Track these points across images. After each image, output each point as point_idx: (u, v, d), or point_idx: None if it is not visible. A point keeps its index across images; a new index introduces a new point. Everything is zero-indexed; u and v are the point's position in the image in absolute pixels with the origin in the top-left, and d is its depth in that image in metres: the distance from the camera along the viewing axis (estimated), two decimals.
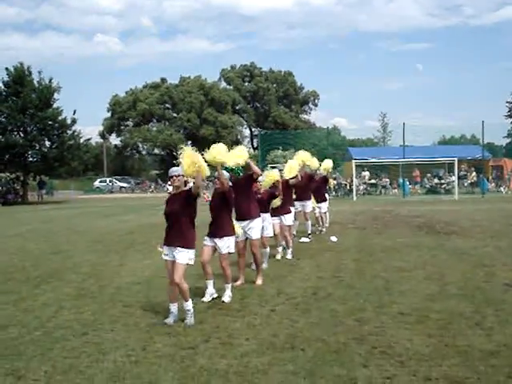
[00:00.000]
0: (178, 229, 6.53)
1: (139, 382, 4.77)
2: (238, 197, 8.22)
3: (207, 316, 6.82)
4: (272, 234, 10.15)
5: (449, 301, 7.33)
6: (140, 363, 5.18)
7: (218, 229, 7.64)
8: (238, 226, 8.24)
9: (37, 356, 5.44)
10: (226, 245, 7.65)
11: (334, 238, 13.55)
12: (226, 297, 7.58)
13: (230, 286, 7.70)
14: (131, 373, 4.94)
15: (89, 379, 4.83)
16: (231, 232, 7.76)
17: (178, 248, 6.47)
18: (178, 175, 6.68)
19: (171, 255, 6.57)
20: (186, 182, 6.96)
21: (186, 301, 6.52)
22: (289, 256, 11.11)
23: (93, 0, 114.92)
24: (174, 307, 6.60)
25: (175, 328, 6.28)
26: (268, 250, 9.99)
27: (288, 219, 11.13)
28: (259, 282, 8.66)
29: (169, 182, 7.52)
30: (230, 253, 7.75)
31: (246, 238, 8.63)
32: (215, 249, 7.68)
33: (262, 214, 9.20)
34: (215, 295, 7.68)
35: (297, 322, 6.48)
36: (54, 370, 5.05)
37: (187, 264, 6.53)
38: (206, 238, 7.69)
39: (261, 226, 8.89)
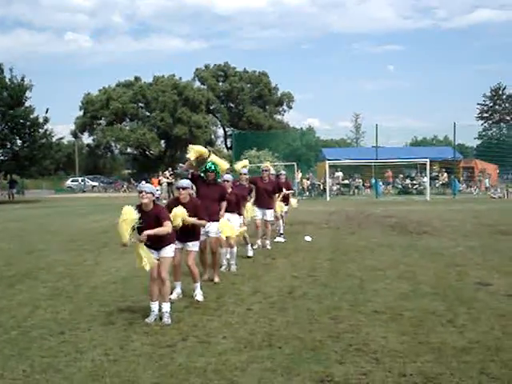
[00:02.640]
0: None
1: (118, 380, 4.78)
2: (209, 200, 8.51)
3: (184, 315, 6.85)
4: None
5: (422, 299, 7.47)
6: (118, 362, 5.20)
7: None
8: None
9: (14, 355, 5.41)
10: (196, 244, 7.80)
11: (308, 238, 13.65)
12: (199, 295, 7.63)
13: (199, 284, 7.75)
14: (110, 371, 4.95)
15: (68, 378, 4.83)
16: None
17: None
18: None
19: (156, 254, 6.68)
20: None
21: (166, 301, 6.63)
22: (250, 253, 11.24)
23: None
24: (154, 306, 6.63)
25: (153, 327, 6.31)
26: (235, 249, 9.95)
27: (269, 214, 12.25)
28: (216, 279, 8.75)
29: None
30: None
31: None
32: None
33: (228, 214, 9.34)
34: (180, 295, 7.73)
35: (273, 320, 6.55)
36: (33, 369, 5.04)
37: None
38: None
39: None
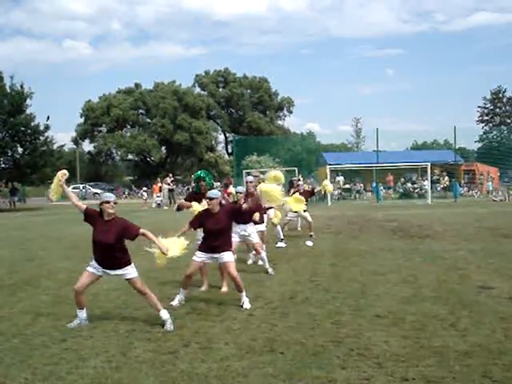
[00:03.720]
0: None
1: None
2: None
3: (186, 321, 6.85)
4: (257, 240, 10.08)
5: (424, 303, 7.46)
6: (120, 369, 5.20)
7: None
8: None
9: (16, 363, 5.41)
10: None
11: (309, 243, 13.65)
12: (247, 303, 7.60)
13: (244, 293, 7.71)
14: (112, 378, 4.95)
15: None
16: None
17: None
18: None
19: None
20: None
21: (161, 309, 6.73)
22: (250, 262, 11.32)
23: (64, 5, 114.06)
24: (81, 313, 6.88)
25: (155, 333, 6.31)
26: (264, 253, 10.19)
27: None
28: (224, 289, 8.64)
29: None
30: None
31: None
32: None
33: (242, 226, 9.70)
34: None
35: (275, 325, 6.55)
36: (34, 376, 5.04)
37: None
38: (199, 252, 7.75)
39: None
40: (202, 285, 8.80)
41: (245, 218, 9.36)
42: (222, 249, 7.60)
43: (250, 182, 10.75)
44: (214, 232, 7.54)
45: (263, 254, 10.09)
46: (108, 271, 6.73)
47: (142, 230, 6.62)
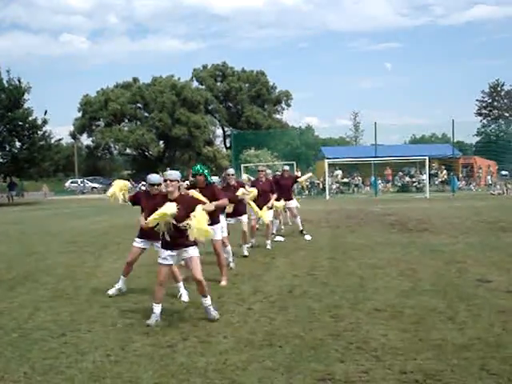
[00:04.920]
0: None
1: (119, 381, 4.79)
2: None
3: (185, 315, 6.85)
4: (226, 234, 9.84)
5: (422, 297, 7.47)
6: (119, 363, 5.21)
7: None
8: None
9: (15, 357, 5.42)
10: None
11: (308, 237, 13.68)
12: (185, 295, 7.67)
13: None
14: (111, 372, 4.96)
15: (69, 380, 4.84)
16: None
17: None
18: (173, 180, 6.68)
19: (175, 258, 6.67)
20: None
21: (206, 296, 6.65)
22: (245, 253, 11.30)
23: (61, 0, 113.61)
24: (157, 308, 6.60)
25: (153, 327, 6.31)
26: (229, 247, 9.93)
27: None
28: (224, 283, 8.64)
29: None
30: None
31: None
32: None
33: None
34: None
35: (274, 319, 6.56)
36: (34, 371, 5.05)
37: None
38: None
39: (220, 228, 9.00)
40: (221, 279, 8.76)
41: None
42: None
43: (232, 175, 10.57)
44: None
45: (228, 248, 9.82)
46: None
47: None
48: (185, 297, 7.62)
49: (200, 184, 8.57)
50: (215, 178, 9.77)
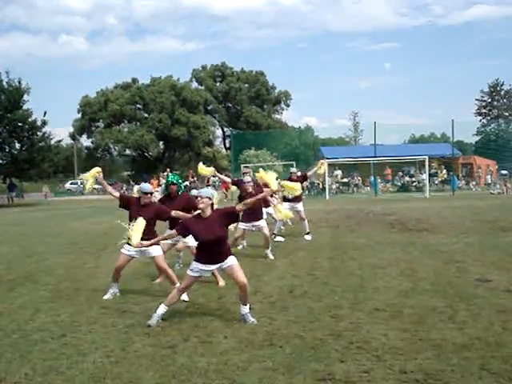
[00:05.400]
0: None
1: (120, 381, 4.80)
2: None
3: (185, 315, 6.86)
4: None
5: (422, 296, 7.49)
6: (120, 363, 5.21)
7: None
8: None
9: (16, 359, 5.43)
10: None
11: (308, 237, 13.68)
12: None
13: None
14: (112, 373, 4.97)
15: (69, 380, 4.85)
16: None
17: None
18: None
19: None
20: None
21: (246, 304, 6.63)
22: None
23: (60, 0, 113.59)
24: (162, 309, 6.61)
25: (154, 328, 6.31)
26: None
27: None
28: (221, 283, 8.62)
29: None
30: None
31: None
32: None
33: None
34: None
35: (274, 319, 6.56)
36: (34, 372, 5.06)
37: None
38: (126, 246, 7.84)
39: None
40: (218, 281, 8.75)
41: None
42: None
43: (248, 183, 10.74)
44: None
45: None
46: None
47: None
48: (185, 296, 7.62)
49: (173, 193, 8.87)
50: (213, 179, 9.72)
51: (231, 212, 6.65)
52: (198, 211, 6.75)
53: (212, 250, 6.54)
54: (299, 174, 14.65)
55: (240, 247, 12.41)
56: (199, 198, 6.55)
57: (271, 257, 11.13)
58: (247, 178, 11.09)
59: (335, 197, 34.12)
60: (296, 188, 11.34)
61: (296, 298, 7.65)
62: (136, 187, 9.36)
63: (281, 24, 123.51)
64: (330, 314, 6.71)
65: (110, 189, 8.49)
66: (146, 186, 8.07)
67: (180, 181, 8.98)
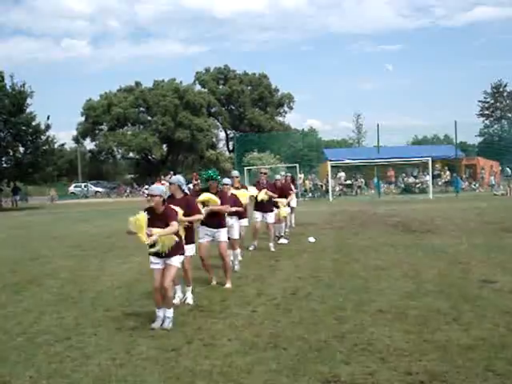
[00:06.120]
0: None
1: None
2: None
3: (189, 318, 6.86)
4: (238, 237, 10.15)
5: (426, 298, 7.47)
6: (124, 366, 5.21)
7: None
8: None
9: (21, 362, 5.43)
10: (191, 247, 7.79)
11: (311, 239, 13.68)
12: (189, 299, 7.68)
13: (190, 288, 7.80)
14: (116, 375, 4.97)
15: (74, 383, 4.85)
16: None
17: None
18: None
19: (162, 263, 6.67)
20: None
21: (170, 307, 6.64)
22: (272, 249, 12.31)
23: (63, 4, 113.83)
24: (160, 312, 6.61)
25: (158, 331, 6.32)
26: (238, 251, 10.21)
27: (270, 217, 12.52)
28: (228, 285, 8.64)
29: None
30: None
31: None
32: None
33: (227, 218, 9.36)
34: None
35: (278, 321, 6.56)
36: (39, 374, 5.06)
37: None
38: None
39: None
40: (212, 279, 8.85)
41: (213, 220, 8.70)
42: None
43: (226, 185, 10.44)
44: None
45: (238, 251, 10.14)
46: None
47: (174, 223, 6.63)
48: (189, 300, 7.64)
49: (212, 188, 8.70)
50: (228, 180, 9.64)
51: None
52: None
53: None
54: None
55: (251, 248, 12.51)
56: (149, 197, 6.69)
57: (272, 249, 12.36)
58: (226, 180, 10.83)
59: (338, 199, 34.12)
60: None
61: (300, 299, 7.65)
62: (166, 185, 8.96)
63: (283, 26, 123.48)
64: (334, 316, 6.70)
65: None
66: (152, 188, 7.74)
67: (219, 177, 8.87)
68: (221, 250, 8.67)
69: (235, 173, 11.15)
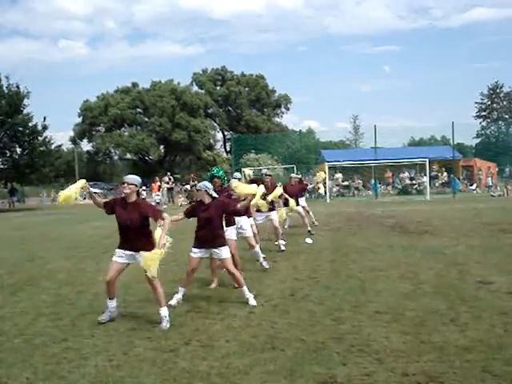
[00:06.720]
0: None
1: None
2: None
3: (186, 319, 6.86)
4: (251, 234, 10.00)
5: (423, 299, 7.48)
6: (122, 367, 5.21)
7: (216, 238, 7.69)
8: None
9: (17, 363, 5.43)
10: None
11: (309, 240, 13.68)
12: (252, 300, 7.59)
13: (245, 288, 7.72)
14: (113, 377, 4.97)
15: None
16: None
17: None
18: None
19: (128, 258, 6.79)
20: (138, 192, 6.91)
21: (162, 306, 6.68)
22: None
23: (61, 5, 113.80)
24: (111, 303, 6.82)
25: (155, 332, 6.32)
26: (257, 248, 10.08)
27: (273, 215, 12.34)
28: (213, 285, 8.68)
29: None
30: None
31: None
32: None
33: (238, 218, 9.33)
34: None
35: (276, 323, 6.57)
36: (36, 376, 5.06)
37: None
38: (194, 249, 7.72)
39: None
40: (213, 282, 8.84)
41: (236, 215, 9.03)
42: (217, 243, 7.60)
43: (269, 175, 10.76)
44: (204, 221, 7.55)
45: (257, 248, 10.09)
46: (134, 253, 6.74)
47: (165, 216, 6.64)
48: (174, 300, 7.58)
49: (217, 186, 8.67)
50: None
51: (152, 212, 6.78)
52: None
53: (127, 235, 6.75)
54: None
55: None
56: (125, 184, 6.76)
57: (283, 247, 12.35)
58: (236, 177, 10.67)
59: (336, 200, 34.11)
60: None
61: (297, 301, 7.65)
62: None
63: (281, 27, 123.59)
64: (332, 317, 6.71)
65: (97, 200, 7.63)
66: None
67: (224, 174, 8.90)
68: (227, 266, 7.88)
69: (237, 175, 11.03)
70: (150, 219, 6.72)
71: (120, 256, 6.78)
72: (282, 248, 12.32)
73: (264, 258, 10.27)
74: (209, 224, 7.57)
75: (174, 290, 8.23)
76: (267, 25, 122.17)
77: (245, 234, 9.69)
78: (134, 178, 6.88)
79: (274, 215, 12.31)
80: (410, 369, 4.93)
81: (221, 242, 7.67)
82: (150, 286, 6.75)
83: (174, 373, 5.03)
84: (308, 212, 16.61)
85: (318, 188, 22.08)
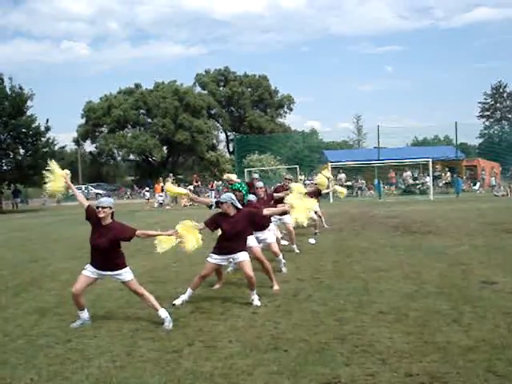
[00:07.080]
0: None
1: None
2: None
3: (190, 320, 6.87)
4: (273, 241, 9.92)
5: (427, 299, 7.47)
6: (125, 368, 5.22)
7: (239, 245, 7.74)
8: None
9: (21, 364, 5.44)
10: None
11: (312, 241, 13.67)
12: (256, 300, 7.62)
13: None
14: (117, 378, 4.97)
15: None
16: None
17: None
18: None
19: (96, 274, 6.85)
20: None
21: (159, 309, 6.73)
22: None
23: (63, 6, 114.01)
24: (83, 314, 6.86)
25: (159, 333, 6.33)
26: (280, 256, 9.98)
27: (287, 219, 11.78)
28: (276, 287, 8.54)
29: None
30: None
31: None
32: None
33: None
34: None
35: (279, 323, 6.56)
36: (40, 377, 5.06)
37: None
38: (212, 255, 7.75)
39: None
40: (217, 283, 8.84)
41: (263, 223, 9.27)
42: (237, 250, 7.66)
43: (261, 188, 10.34)
44: (231, 234, 7.57)
45: (280, 256, 9.95)
46: (103, 273, 6.81)
47: (138, 232, 6.75)
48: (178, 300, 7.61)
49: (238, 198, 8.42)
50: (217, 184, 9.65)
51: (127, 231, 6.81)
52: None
53: (96, 255, 6.77)
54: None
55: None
56: (99, 209, 6.68)
57: (297, 250, 12.27)
58: (259, 184, 10.54)
59: (339, 200, 34.05)
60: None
61: (300, 301, 7.65)
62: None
63: (284, 28, 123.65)
64: (335, 318, 6.71)
65: (80, 197, 7.65)
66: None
67: (247, 190, 8.68)
68: (244, 269, 7.77)
69: (260, 184, 10.54)
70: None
71: (90, 271, 6.79)
72: (297, 251, 12.19)
73: (284, 263, 10.14)
74: (237, 236, 7.64)
75: (175, 290, 8.29)
76: (270, 25, 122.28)
77: (267, 240, 9.67)
78: (107, 201, 6.87)
79: (287, 219, 11.73)
80: (414, 369, 4.92)
81: (241, 248, 7.74)
82: (137, 296, 6.82)
83: (177, 373, 5.03)
84: (320, 216, 16.45)
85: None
